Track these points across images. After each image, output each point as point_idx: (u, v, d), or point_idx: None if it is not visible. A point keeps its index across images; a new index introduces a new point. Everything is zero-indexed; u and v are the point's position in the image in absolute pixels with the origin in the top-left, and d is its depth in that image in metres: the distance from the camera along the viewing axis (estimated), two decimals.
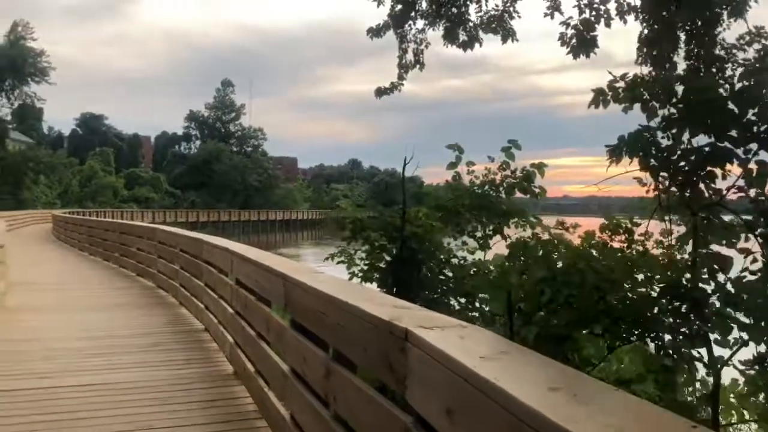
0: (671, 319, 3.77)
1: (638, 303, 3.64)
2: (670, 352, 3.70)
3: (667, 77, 5.66)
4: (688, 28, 7.39)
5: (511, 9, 9.39)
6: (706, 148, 4.57)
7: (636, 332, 3.79)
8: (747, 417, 5.11)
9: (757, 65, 5.62)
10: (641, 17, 7.76)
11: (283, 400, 3.67)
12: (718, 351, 4.33)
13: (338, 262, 8.21)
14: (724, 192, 4.72)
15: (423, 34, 10.02)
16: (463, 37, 9.58)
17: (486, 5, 9.53)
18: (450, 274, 7.69)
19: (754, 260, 4.58)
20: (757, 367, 4.28)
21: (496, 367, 1.58)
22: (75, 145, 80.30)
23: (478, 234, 7.96)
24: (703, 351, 4.10)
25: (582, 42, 7.42)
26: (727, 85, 4.73)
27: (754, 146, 4.75)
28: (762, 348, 4.30)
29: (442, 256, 7.78)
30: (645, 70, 8.01)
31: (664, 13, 7.52)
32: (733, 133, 4.51)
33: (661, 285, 3.83)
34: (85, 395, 4.58)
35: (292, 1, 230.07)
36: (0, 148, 55.56)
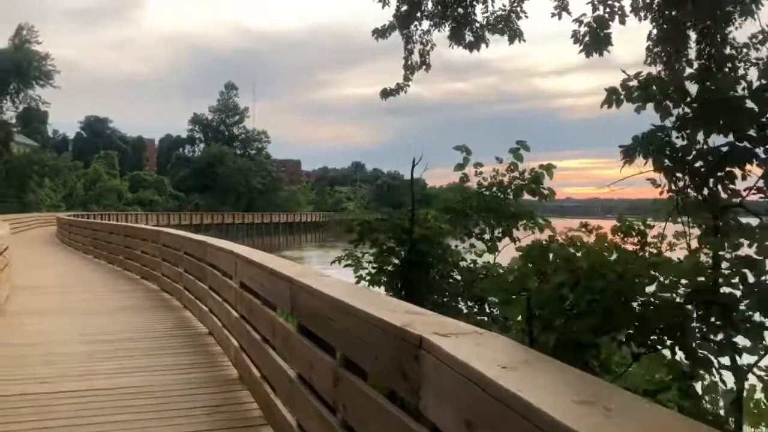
0: (699, 326, 3.66)
1: (663, 309, 3.53)
2: (699, 358, 3.59)
3: (681, 76, 5.55)
4: (699, 26, 7.30)
5: (518, 9, 9.30)
6: (724, 148, 4.47)
7: (660, 338, 3.66)
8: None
9: None
10: (651, 16, 7.66)
11: (289, 406, 3.59)
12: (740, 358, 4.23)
13: (345, 265, 8.12)
14: (744, 193, 4.61)
15: (429, 36, 9.97)
16: (469, 37, 9.50)
17: (492, 5, 9.46)
18: (458, 278, 7.60)
19: None
20: None
21: (518, 377, 1.50)
22: (79, 148, 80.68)
23: (486, 236, 7.87)
24: (724, 359, 3.99)
25: (595, 40, 7.31)
26: (744, 84, 4.63)
27: None
28: None
29: (450, 259, 7.67)
30: (654, 70, 7.94)
31: (674, 12, 7.43)
32: (752, 132, 4.41)
33: (688, 290, 3.71)
34: (86, 400, 4.50)
35: (295, 5, 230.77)
36: (5, 151, 55.79)
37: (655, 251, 4.90)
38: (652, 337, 3.63)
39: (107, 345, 6.33)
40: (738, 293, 3.68)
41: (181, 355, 5.97)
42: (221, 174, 76.79)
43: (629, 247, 4.88)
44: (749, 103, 4.47)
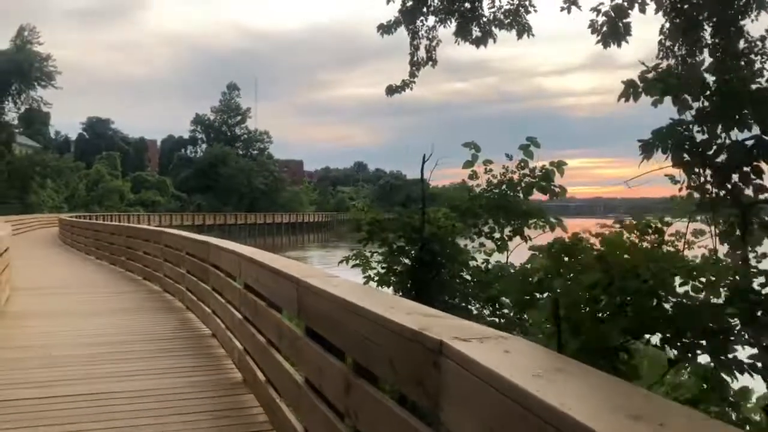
0: (741, 329, 3.49)
1: (701, 311, 3.36)
2: (744, 366, 3.42)
3: (698, 68, 5.40)
4: (714, 19, 7.13)
5: (527, 2, 9.14)
6: (749, 142, 4.31)
7: (697, 342, 3.49)
8: None
9: None
10: (664, 9, 7.48)
11: (295, 410, 3.46)
12: None
13: (353, 266, 7.95)
14: None
15: (434, 32, 9.81)
16: (476, 33, 9.35)
17: (500, 0, 9.29)
18: (469, 278, 7.43)
19: None
20: None
21: (557, 388, 1.35)
22: (81, 149, 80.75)
23: (496, 235, 7.71)
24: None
25: (613, 30, 7.11)
26: (767, 76, 4.48)
27: None
28: None
29: (461, 258, 7.50)
30: (665, 65, 7.76)
31: (687, 6, 7.26)
32: None
33: (727, 292, 3.55)
34: (86, 405, 4.36)
35: (295, 5, 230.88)
36: (7, 152, 55.87)
37: (672, 249, 4.74)
38: (684, 340, 3.46)
39: (108, 347, 6.20)
40: None
41: (184, 357, 5.85)
42: (223, 174, 76.75)
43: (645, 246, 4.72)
44: None
